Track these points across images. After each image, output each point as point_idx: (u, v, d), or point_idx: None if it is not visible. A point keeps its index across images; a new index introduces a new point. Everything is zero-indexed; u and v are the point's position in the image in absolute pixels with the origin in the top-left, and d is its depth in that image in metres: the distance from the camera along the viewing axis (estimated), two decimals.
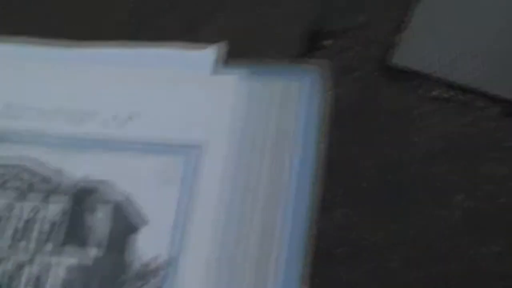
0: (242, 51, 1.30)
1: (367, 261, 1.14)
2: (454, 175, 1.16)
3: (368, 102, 1.20)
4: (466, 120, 1.18)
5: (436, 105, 1.18)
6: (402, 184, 1.18)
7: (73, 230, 0.48)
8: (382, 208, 1.15)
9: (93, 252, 0.48)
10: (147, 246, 0.48)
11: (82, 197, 0.50)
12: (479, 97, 1.19)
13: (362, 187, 1.18)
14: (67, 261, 0.48)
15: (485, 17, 1.24)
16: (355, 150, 1.20)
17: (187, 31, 1.30)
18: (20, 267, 0.47)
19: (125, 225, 0.49)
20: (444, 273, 1.11)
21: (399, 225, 1.14)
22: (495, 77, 1.18)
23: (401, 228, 1.13)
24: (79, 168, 0.52)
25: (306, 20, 1.27)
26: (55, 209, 0.50)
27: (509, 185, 1.11)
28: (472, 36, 1.21)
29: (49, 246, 0.48)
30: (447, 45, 1.21)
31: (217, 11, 1.34)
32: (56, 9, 1.20)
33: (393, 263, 1.13)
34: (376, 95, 1.21)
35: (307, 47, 1.25)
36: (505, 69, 1.19)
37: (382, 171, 1.21)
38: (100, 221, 0.50)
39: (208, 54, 0.52)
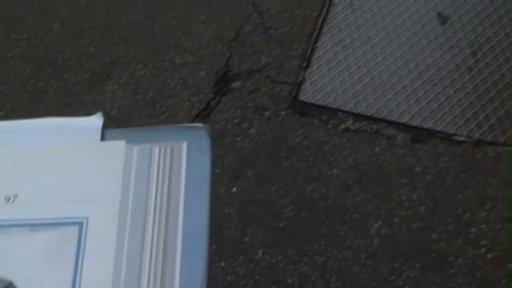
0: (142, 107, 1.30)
1: None
2: (369, 204, 1.19)
3: (280, 141, 1.23)
4: (375, 149, 1.22)
5: (346, 137, 1.21)
6: (320, 219, 1.20)
7: None
8: (303, 245, 1.17)
9: None
10: None
11: None
12: (385, 126, 1.23)
13: (281, 227, 1.19)
14: None
15: (382, 51, 1.29)
16: (273, 189, 1.21)
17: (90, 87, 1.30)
18: None
19: None
20: None
21: (322, 259, 1.16)
22: (400, 106, 1.22)
23: (324, 262, 1.15)
24: None
25: (212, 65, 1.29)
26: None
27: (421, 209, 1.15)
28: (374, 67, 1.26)
29: None
30: (350, 78, 1.25)
31: (117, 62, 1.34)
32: None
33: None
34: (288, 132, 1.23)
35: (216, 91, 1.27)
36: (408, 97, 1.24)
37: (299, 208, 1.22)
38: None
39: (94, 121, 0.52)
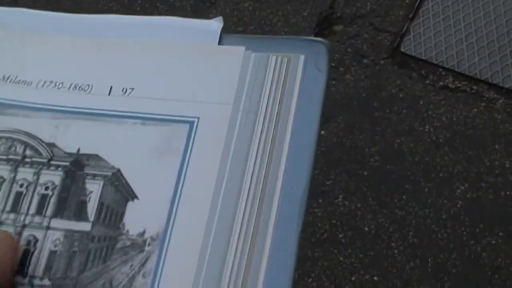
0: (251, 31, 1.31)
1: (368, 247, 1.15)
2: (458, 166, 1.17)
3: (375, 90, 1.21)
4: (472, 110, 1.19)
5: (443, 94, 1.18)
6: (405, 173, 1.19)
7: (65, 203, 0.51)
8: (384, 196, 1.16)
9: (83, 225, 0.50)
10: (135, 221, 0.50)
11: (74, 171, 0.52)
12: (486, 88, 1.19)
13: (364, 175, 1.18)
14: (56, 233, 0.50)
15: (495, 11, 1.24)
16: (361, 137, 1.21)
17: (195, 13, 1.31)
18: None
19: (116, 199, 0.51)
20: (444, 262, 1.11)
21: (402, 213, 1.15)
22: (504, 70, 1.18)
23: (403, 216, 1.14)
24: (71, 141, 0.54)
25: (317, 5, 1.27)
26: (46, 182, 0.52)
27: None
28: (480, 28, 1.21)
29: (40, 218, 0.51)
30: (456, 36, 1.21)
31: None
32: None
33: (392, 251, 1.14)
34: (384, 82, 1.21)
35: (317, 32, 1.26)
36: None
37: (385, 159, 1.21)
38: (91, 194, 0.52)
39: (214, 25, 0.53)
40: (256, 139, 0.49)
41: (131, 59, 0.56)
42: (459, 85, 1.18)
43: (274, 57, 0.53)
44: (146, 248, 0.46)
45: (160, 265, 0.45)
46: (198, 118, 0.51)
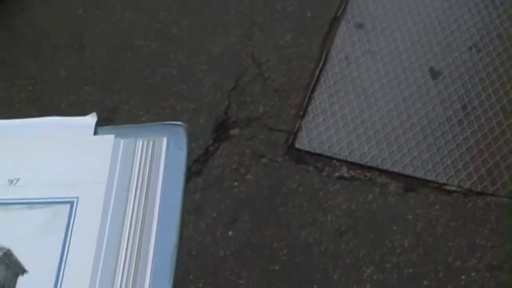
0: None
1: None
2: (362, 250, 1.22)
3: (276, 186, 1.26)
4: (368, 196, 1.25)
5: (340, 184, 1.25)
6: (314, 264, 1.23)
7: None
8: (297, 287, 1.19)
9: None
10: None
11: None
12: (378, 174, 1.26)
13: (275, 270, 1.21)
14: None
15: (376, 103, 1.33)
16: (268, 233, 1.24)
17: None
18: None
19: (7, 276, 0.55)
20: None
21: None
22: (393, 155, 1.26)
23: None
24: None
25: (212, 112, 1.33)
26: None
27: (413, 256, 1.18)
28: (368, 117, 1.30)
29: None
30: (344, 128, 1.29)
31: (119, 108, 1.38)
32: None
33: None
34: (284, 178, 1.27)
35: (215, 137, 1.31)
36: (400, 147, 1.28)
37: (294, 252, 1.25)
38: None
39: (89, 119, 0.62)
40: (129, 211, 0.56)
41: (15, 153, 0.61)
42: (353, 173, 1.25)
43: (141, 141, 0.60)
44: None
45: None
46: (78, 198, 0.57)
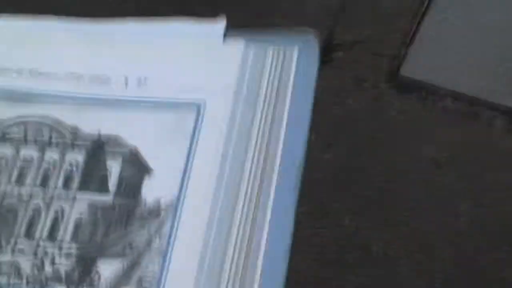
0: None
1: (375, 266, 1.17)
2: (460, 184, 1.19)
3: (377, 112, 1.24)
4: (471, 129, 1.22)
5: (443, 115, 1.21)
6: (408, 193, 1.21)
7: (88, 178, 0.57)
8: (388, 216, 1.18)
9: (105, 196, 0.56)
10: (151, 192, 0.56)
11: (95, 150, 0.58)
12: (486, 108, 1.22)
13: (369, 196, 1.21)
14: (81, 204, 0.56)
15: (492, 29, 1.28)
16: (364, 159, 1.23)
17: None
18: (38, 211, 0.55)
19: (133, 173, 0.56)
20: (450, 278, 1.13)
21: (405, 232, 1.17)
22: (501, 89, 1.21)
23: (407, 235, 1.16)
24: (92, 125, 0.60)
25: (317, 33, 1.31)
26: (71, 160, 0.58)
27: None
28: (478, 47, 1.25)
29: (66, 191, 0.56)
30: (454, 56, 1.25)
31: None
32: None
33: (400, 269, 1.16)
34: (385, 105, 1.24)
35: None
36: (510, 81, 1.22)
37: (389, 180, 1.24)
38: (112, 170, 0.57)
39: (218, 22, 0.61)
40: (257, 118, 0.55)
41: (145, 53, 0.62)
42: (458, 105, 1.21)
43: (271, 50, 0.59)
44: (161, 215, 0.51)
45: (174, 229, 0.50)
46: (205, 102, 0.57)
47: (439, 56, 1.24)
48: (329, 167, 1.26)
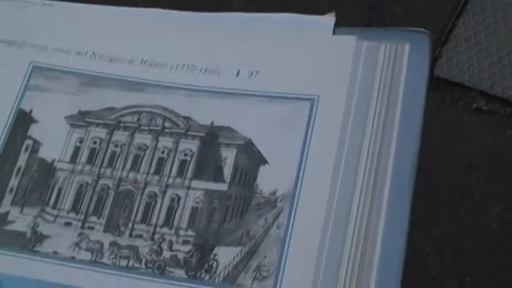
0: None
1: (404, 267, 1.15)
2: (492, 187, 1.18)
3: None
4: (507, 132, 1.20)
5: (477, 117, 1.20)
6: (439, 196, 1.20)
7: (203, 167, 0.57)
8: (418, 217, 1.16)
9: (221, 185, 0.56)
10: (267, 182, 0.56)
11: (210, 140, 0.58)
12: None
13: None
14: (196, 192, 0.56)
15: None
16: None
17: None
18: (153, 197, 0.56)
19: (249, 164, 0.56)
20: (479, 283, 1.12)
21: (438, 233, 1.16)
22: None
23: (440, 236, 1.15)
24: (205, 115, 0.60)
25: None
26: (185, 149, 0.58)
27: None
28: None
29: (181, 180, 0.56)
30: (488, 58, 1.23)
31: None
32: None
33: (430, 270, 1.15)
34: None
35: None
36: None
37: (421, 181, 1.22)
38: (226, 160, 0.58)
39: (328, 18, 0.60)
40: (370, 113, 0.54)
41: (256, 46, 0.61)
42: (492, 107, 1.20)
43: (384, 46, 0.58)
44: (278, 204, 0.50)
45: (292, 218, 0.49)
46: (318, 96, 0.55)
47: (474, 57, 1.23)
48: None
